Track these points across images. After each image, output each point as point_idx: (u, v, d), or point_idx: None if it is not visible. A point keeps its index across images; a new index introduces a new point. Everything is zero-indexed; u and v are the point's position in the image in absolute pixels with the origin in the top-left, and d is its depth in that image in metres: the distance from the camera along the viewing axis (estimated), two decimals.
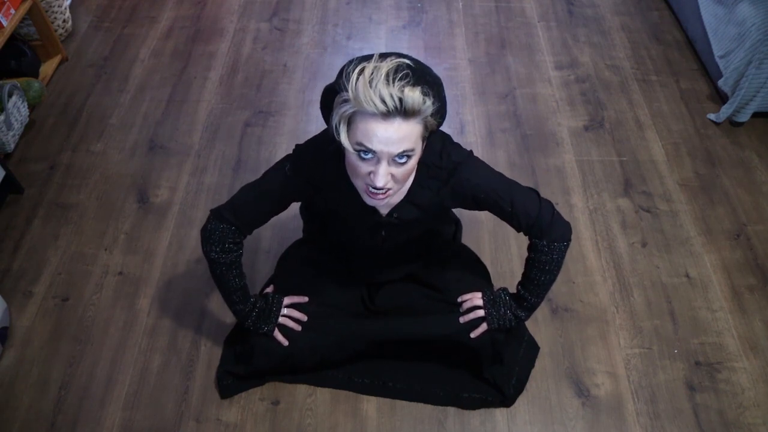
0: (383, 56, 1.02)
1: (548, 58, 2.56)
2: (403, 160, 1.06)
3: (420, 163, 1.21)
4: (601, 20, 2.76)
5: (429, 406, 1.55)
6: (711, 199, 2.04)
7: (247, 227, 1.33)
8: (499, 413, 1.54)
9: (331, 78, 2.62)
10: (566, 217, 1.35)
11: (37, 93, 2.22)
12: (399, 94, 0.98)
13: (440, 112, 1.07)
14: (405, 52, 2.80)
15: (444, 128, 2.27)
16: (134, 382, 1.60)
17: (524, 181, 2.07)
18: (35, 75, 2.35)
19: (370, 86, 0.97)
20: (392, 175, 1.08)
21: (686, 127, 2.28)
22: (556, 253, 1.30)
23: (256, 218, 1.33)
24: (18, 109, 2.09)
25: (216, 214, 1.32)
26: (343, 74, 1.03)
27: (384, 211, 1.29)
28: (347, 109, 1.02)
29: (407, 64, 1.00)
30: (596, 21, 2.75)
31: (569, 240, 1.32)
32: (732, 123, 2.29)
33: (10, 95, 2.04)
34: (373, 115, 1.00)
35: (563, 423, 1.53)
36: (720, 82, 2.30)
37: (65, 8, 2.58)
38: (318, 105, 1.17)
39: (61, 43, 2.50)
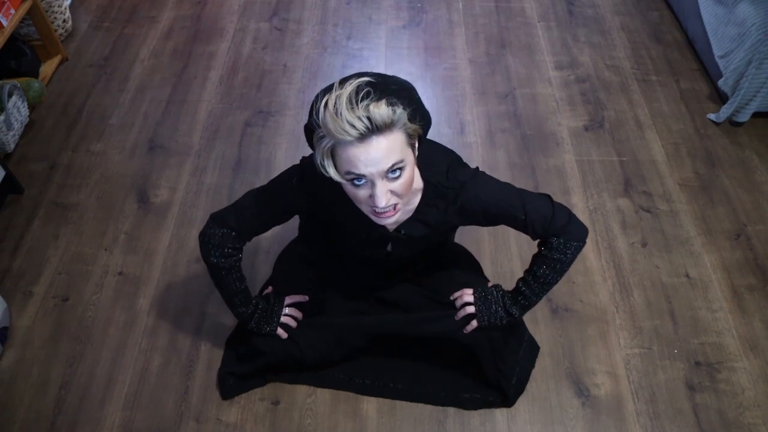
0: (343, 82, 1.01)
1: (548, 58, 2.56)
2: (396, 174, 1.05)
3: (426, 182, 1.21)
4: (601, 20, 2.76)
5: (429, 407, 1.55)
6: (711, 199, 2.04)
7: (247, 234, 1.33)
8: (499, 413, 1.54)
9: (331, 77, 2.62)
10: None
11: (37, 93, 2.22)
12: (365, 114, 0.97)
13: (417, 116, 1.05)
14: (405, 52, 2.80)
15: (444, 128, 2.29)
16: (134, 382, 1.60)
17: (524, 182, 2.08)
18: (35, 75, 2.35)
19: (337, 116, 0.96)
20: (392, 191, 1.07)
21: (686, 127, 2.28)
22: (570, 252, 1.30)
23: (258, 226, 1.33)
24: (18, 109, 2.09)
25: (216, 219, 1.32)
26: (312, 112, 1.03)
27: (392, 227, 1.29)
28: (326, 143, 1.02)
29: (367, 81, 0.99)
30: (596, 21, 2.75)
31: (584, 241, 1.31)
32: (732, 123, 2.29)
33: (10, 95, 2.04)
34: (350, 142, 0.99)
35: (563, 423, 1.53)
36: (720, 82, 2.30)
37: (65, 8, 2.58)
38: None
39: (61, 43, 2.50)
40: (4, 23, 2.10)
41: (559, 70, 2.51)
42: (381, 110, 0.97)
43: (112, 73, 2.48)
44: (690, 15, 2.57)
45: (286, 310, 1.49)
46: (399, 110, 1.00)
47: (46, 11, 2.45)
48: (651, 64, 2.53)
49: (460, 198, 1.24)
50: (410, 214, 1.26)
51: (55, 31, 2.50)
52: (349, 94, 0.97)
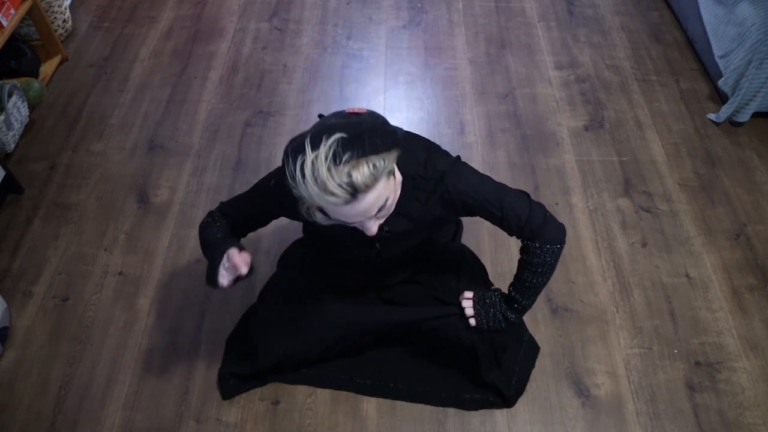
0: (314, 143, 0.95)
1: (548, 58, 2.56)
2: (383, 212, 1.07)
3: (405, 175, 1.20)
4: (601, 20, 2.76)
5: (429, 407, 1.55)
6: (711, 199, 2.04)
7: (235, 223, 1.36)
8: (500, 413, 1.54)
9: (331, 77, 2.60)
10: (566, 217, 1.35)
11: (37, 93, 2.22)
12: (347, 180, 0.94)
13: (392, 148, 1.01)
14: (405, 52, 2.79)
15: (444, 128, 2.29)
16: (134, 382, 1.60)
17: (524, 182, 2.08)
18: (35, 75, 2.35)
19: (317, 186, 0.94)
20: (380, 218, 1.10)
21: (686, 127, 2.28)
22: (549, 256, 1.29)
23: (241, 218, 1.36)
24: (18, 109, 2.09)
25: (219, 205, 1.38)
26: (287, 174, 0.98)
27: None
28: (312, 204, 1.02)
29: (339, 139, 0.94)
30: (596, 21, 2.75)
31: (563, 242, 1.30)
32: (732, 123, 2.29)
33: (10, 95, 2.04)
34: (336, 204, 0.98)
35: (563, 423, 1.53)
36: (720, 82, 2.30)
37: (65, 8, 2.58)
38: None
39: (61, 43, 2.50)
40: (4, 23, 2.10)
41: (559, 70, 2.51)
42: (363, 174, 0.95)
43: (112, 73, 2.48)
44: (690, 15, 2.57)
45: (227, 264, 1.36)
46: (381, 165, 0.97)
47: (46, 11, 2.45)
48: (651, 64, 2.53)
49: (439, 188, 1.22)
50: (392, 209, 1.25)
51: (55, 31, 2.49)
52: (326, 157, 0.93)
